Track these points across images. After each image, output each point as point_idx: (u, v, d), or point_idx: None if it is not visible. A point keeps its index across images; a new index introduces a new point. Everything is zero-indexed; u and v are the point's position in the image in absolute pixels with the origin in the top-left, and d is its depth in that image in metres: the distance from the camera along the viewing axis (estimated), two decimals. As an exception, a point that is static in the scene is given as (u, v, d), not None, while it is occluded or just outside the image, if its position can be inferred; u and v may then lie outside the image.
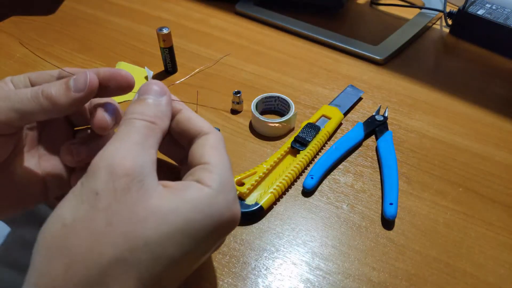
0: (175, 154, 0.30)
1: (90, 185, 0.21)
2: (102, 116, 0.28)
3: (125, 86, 0.28)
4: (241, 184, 0.37)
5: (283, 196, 0.38)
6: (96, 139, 0.31)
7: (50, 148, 0.32)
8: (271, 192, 0.36)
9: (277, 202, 0.37)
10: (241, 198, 0.36)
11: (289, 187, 0.39)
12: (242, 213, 0.35)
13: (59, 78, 0.31)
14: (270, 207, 0.37)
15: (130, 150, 0.22)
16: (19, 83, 0.30)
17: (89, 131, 0.32)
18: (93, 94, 0.28)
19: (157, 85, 0.25)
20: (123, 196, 0.20)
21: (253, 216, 0.36)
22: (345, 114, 0.46)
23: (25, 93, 0.28)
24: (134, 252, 0.20)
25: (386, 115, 0.45)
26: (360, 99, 0.49)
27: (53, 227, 0.21)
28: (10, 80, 0.30)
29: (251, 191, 0.37)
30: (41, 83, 0.30)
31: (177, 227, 0.21)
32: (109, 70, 0.29)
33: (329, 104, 0.46)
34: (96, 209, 0.20)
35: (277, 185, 0.37)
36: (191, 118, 0.26)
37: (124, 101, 0.48)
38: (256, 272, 0.32)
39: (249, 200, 0.36)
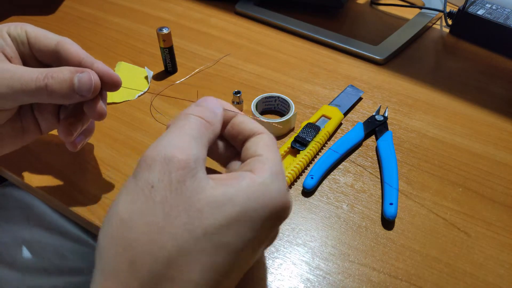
0: (224, 155, 0.30)
1: (145, 178, 0.21)
2: (101, 106, 0.32)
3: (117, 86, 0.33)
4: None
5: (283, 196, 0.38)
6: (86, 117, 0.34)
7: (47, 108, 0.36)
8: None
9: (277, 202, 0.37)
10: None
11: (290, 187, 0.39)
12: None
13: (56, 51, 0.33)
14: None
15: (186, 143, 0.22)
16: (17, 38, 0.32)
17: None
18: (94, 95, 0.31)
19: (215, 99, 0.27)
20: (179, 188, 0.21)
21: None
22: (345, 114, 0.47)
23: (29, 81, 0.29)
24: (195, 242, 0.20)
25: (386, 115, 0.45)
26: (360, 99, 0.49)
27: (111, 224, 0.21)
28: (7, 31, 0.32)
29: None
30: (37, 50, 0.33)
31: (233, 215, 0.21)
32: (105, 69, 0.32)
33: (329, 104, 0.46)
34: (153, 202, 0.21)
35: None
36: (246, 121, 0.28)
37: (124, 101, 0.48)
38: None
39: None
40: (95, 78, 0.31)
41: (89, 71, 0.31)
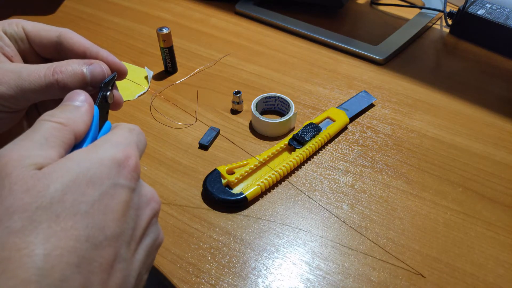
0: None
1: None
2: (118, 94, 0.31)
3: (122, 75, 0.32)
4: (231, 173, 0.38)
5: (283, 196, 0.38)
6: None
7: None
8: (258, 185, 0.37)
9: (279, 203, 0.38)
10: (229, 186, 0.38)
11: (279, 183, 0.39)
12: (227, 200, 0.36)
13: (58, 43, 0.32)
14: (273, 208, 0.37)
15: (22, 147, 0.22)
16: (14, 35, 0.31)
17: None
18: None
19: (79, 93, 0.26)
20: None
21: (236, 205, 0.37)
22: (353, 118, 0.46)
23: (38, 78, 0.28)
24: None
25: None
26: (371, 105, 0.48)
27: None
28: (2, 30, 0.31)
29: (239, 181, 0.38)
30: (39, 44, 0.32)
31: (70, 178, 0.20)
32: (111, 57, 0.32)
33: (337, 107, 0.46)
34: None
35: (266, 179, 0.38)
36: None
37: (124, 101, 0.48)
38: (256, 272, 0.32)
39: (236, 190, 0.37)
40: (106, 68, 0.30)
41: (99, 62, 0.30)
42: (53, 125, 0.23)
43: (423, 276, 0.32)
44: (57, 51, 0.32)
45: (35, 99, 0.30)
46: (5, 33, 0.31)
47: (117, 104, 0.31)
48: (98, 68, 0.30)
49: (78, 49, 0.32)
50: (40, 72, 0.29)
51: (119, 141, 0.23)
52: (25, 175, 0.20)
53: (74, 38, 0.32)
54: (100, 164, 0.21)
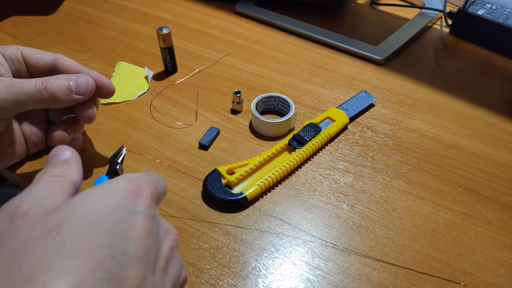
0: None
1: None
2: (92, 109, 0.35)
3: (110, 94, 0.36)
4: (231, 173, 0.38)
5: (283, 196, 0.38)
6: (79, 123, 0.37)
7: (31, 115, 0.38)
8: (258, 185, 0.37)
9: (279, 203, 0.38)
10: (229, 186, 0.38)
11: (279, 183, 0.39)
12: (227, 200, 0.36)
13: (53, 65, 0.36)
14: (273, 208, 0.37)
15: (31, 193, 0.22)
16: (11, 56, 0.35)
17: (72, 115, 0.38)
18: (90, 97, 0.34)
19: (63, 148, 0.27)
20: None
21: (236, 205, 0.37)
22: (353, 118, 0.46)
23: (29, 86, 0.31)
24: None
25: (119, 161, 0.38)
26: (372, 105, 0.48)
27: None
28: (2, 54, 0.35)
29: (239, 181, 0.38)
30: (36, 64, 0.35)
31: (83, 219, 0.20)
32: (100, 77, 0.35)
33: (337, 107, 0.46)
34: None
35: (265, 179, 0.38)
36: None
37: (124, 101, 0.48)
38: (256, 272, 0.32)
39: (236, 190, 0.37)
40: (91, 80, 0.34)
41: (84, 75, 0.34)
42: (52, 178, 0.24)
43: (463, 286, 0.32)
44: (51, 73, 0.35)
45: (25, 106, 0.32)
46: (3, 55, 0.34)
47: (90, 118, 0.35)
48: (82, 78, 0.33)
49: (70, 70, 0.35)
50: (31, 82, 0.32)
51: (131, 176, 0.24)
52: (43, 211, 0.21)
53: (67, 61, 0.36)
54: (115, 194, 0.22)
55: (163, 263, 0.23)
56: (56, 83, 0.32)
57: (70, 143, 0.38)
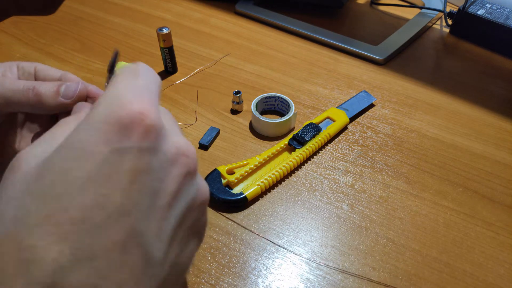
0: None
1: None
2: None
3: None
4: (231, 173, 0.38)
5: (283, 196, 0.38)
6: None
7: (31, 130, 0.36)
8: (258, 185, 0.37)
9: (279, 203, 0.38)
10: (229, 186, 0.38)
11: (277, 184, 0.39)
12: (227, 200, 0.36)
13: (59, 79, 0.35)
14: (273, 208, 0.37)
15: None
16: (24, 67, 0.34)
17: None
18: (77, 101, 0.33)
19: (85, 105, 0.27)
20: None
21: (236, 205, 0.37)
22: (353, 118, 0.46)
23: (18, 85, 0.31)
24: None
25: None
26: (372, 105, 0.48)
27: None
28: (17, 65, 0.34)
29: (240, 181, 0.38)
30: (44, 78, 0.35)
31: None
32: (98, 91, 0.34)
33: (337, 107, 0.46)
34: None
35: (265, 179, 0.38)
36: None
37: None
38: (256, 272, 0.32)
39: (236, 190, 0.37)
40: (81, 86, 0.32)
41: (77, 81, 0.33)
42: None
43: None
44: None
45: (11, 104, 0.31)
46: (17, 66, 0.34)
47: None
48: (73, 84, 0.32)
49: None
50: (20, 82, 0.31)
51: (119, 94, 0.18)
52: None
53: (71, 77, 0.35)
54: (92, 129, 0.18)
55: (166, 200, 0.19)
56: (45, 85, 0.31)
57: None
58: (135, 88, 0.19)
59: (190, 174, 0.20)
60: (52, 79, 0.35)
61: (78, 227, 0.16)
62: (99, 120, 0.18)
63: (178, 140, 0.20)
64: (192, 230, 0.21)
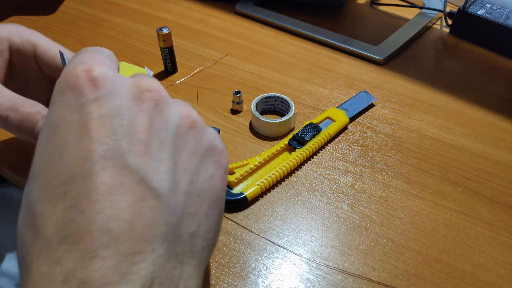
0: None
1: None
2: None
3: None
4: (231, 173, 0.38)
5: (283, 196, 0.38)
6: None
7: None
8: (258, 185, 0.37)
9: (279, 203, 0.38)
10: (229, 186, 0.38)
11: (278, 183, 0.39)
12: (227, 200, 0.36)
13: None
14: (273, 208, 0.37)
15: None
16: (20, 50, 0.31)
17: None
18: None
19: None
20: None
21: (237, 205, 0.37)
22: (353, 119, 0.46)
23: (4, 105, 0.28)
24: None
25: None
26: (372, 105, 0.48)
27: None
28: (9, 43, 0.30)
29: (240, 181, 0.38)
30: (44, 63, 0.31)
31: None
32: None
33: (337, 107, 0.46)
34: None
35: (266, 179, 0.38)
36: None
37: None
38: (256, 272, 0.32)
39: (236, 190, 0.37)
40: None
41: None
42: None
43: None
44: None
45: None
46: (11, 45, 0.31)
47: None
48: None
49: None
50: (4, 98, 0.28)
51: (66, 68, 0.20)
52: None
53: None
54: (55, 102, 0.20)
55: (144, 132, 0.19)
56: (21, 115, 0.28)
57: None
58: (77, 59, 0.20)
59: (160, 105, 0.20)
60: (58, 69, 0.32)
61: (70, 184, 0.17)
62: (56, 93, 0.20)
63: (139, 80, 0.21)
64: (196, 154, 0.21)
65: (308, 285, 0.32)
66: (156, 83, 0.21)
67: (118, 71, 0.23)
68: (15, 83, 0.33)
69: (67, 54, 0.30)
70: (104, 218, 0.17)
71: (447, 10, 0.61)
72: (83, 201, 0.17)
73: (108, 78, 0.20)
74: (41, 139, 0.19)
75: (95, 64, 0.20)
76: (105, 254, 0.16)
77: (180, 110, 0.21)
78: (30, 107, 0.28)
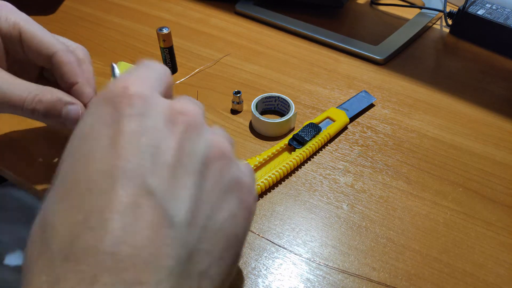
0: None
1: None
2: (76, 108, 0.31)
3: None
4: None
5: (283, 196, 0.38)
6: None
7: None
8: (258, 185, 0.37)
9: (279, 203, 0.38)
10: None
11: (278, 183, 0.39)
12: None
13: (49, 59, 0.32)
14: (273, 208, 0.37)
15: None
16: (5, 36, 0.31)
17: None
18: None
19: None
20: None
21: None
22: (353, 119, 0.46)
23: (19, 100, 0.29)
24: None
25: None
26: (372, 105, 0.48)
27: None
28: None
29: None
30: (33, 54, 0.32)
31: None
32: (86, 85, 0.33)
33: (337, 107, 0.46)
34: None
35: (265, 179, 0.38)
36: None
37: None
38: (256, 272, 0.32)
39: None
40: (82, 112, 0.31)
41: (79, 105, 0.31)
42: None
43: None
44: (50, 65, 0.33)
45: (4, 111, 0.30)
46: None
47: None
48: (74, 111, 0.31)
49: (69, 79, 0.33)
50: (23, 94, 0.29)
51: (109, 84, 0.20)
52: None
53: (67, 65, 0.33)
54: (92, 115, 0.20)
55: (170, 156, 0.19)
56: (47, 103, 0.30)
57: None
58: (123, 75, 0.21)
59: (191, 130, 0.20)
60: (43, 58, 0.32)
61: (86, 197, 0.17)
62: (92, 104, 0.20)
63: (175, 102, 0.21)
64: (219, 187, 0.20)
65: (308, 285, 0.32)
66: (192, 107, 0.21)
67: (168, 90, 0.23)
68: (7, 65, 0.33)
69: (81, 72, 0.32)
70: (112, 240, 0.16)
71: (447, 10, 0.61)
72: (94, 217, 0.16)
73: (145, 97, 0.20)
74: (69, 147, 0.19)
75: (137, 81, 0.20)
76: (106, 281, 0.15)
77: (211, 138, 0.21)
78: (52, 95, 0.30)
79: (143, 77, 0.21)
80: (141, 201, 0.17)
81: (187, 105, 0.21)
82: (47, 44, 0.32)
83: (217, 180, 0.20)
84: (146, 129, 0.19)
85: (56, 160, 0.40)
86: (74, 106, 0.31)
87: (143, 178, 0.17)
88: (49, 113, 0.30)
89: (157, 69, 0.23)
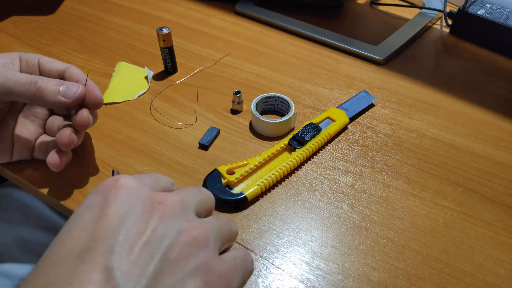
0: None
1: None
2: (86, 116, 0.35)
3: (96, 106, 0.36)
4: (231, 173, 0.38)
5: (283, 196, 0.38)
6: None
7: (28, 116, 0.39)
8: (258, 185, 0.37)
9: (279, 203, 0.38)
10: (229, 186, 0.38)
11: (279, 183, 0.39)
12: (227, 200, 0.36)
13: (62, 75, 0.37)
14: (273, 208, 0.37)
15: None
16: (28, 60, 0.36)
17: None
18: (77, 104, 0.35)
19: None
20: None
21: (236, 204, 0.37)
22: (353, 119, 0.46)
23: (20, 77, 0.33)
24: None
25: None
26: (372, 105, 0.48)
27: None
28: (19, 57, 0.36)
29: (240, 181, 0.38)
30: (49, 71, 0.37)
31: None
32: (93, 88, 0.36)
33: (337, 107, 0.46)
34: None
35: (265, 179, 0.38)
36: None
37: (124, 101, 0.48)
38: (256, 272, 0.32)
39: (236, 190, 0.37)
40: (81, 88, 0.34)
41: (79, 84, 0.35)
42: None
43: None
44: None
45: (12, 94, 0.33)
46: (20, 58, 0.36)
47: (82, 126, 0.35)
48: (73, 85, 0.34)
49: (74, 79, 0.36)
50: (23, 75, 0.33)
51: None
52: None
53: (75, 71, 0.37)
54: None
55: (136, 238, 0.20)
56: (47, 81, 0.33)
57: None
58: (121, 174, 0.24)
59: (166, 218, 0.22)
60: (57, 72, 0.37)
61: (54, 268, 0.20)
62: (91, 192, 0.23)
63: (158, 194, 0.23)
64: (181, 270, 0.20)
65: (308, 285, 0.32)
66: (173, 199, 0.23)
67: (200, 206, 0.25)
68: None
69: (75, 87, 0.35)
70: None
71: (447, 10, 0.61)
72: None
73: (130, 187, 0.22)
74: (64, 225, 0.22)
75: (128, 177, 0.23)
76: None
77: (185, 225, 0.22)
78: (50, 81, 0.34)
79: (137, 176, 0.24)
80: (97, 278, 0.19)
81: (169, 197, 0.23)
82: (61, 64, 0.37)
83: (181, 263, 0.21)
84: (124, 213, 0.21)
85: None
86: (72, 83, 0.34)
87: (107, 256, 0.19)
88: (50, 87, 0.33)
89: (156, 175, 0.26)
